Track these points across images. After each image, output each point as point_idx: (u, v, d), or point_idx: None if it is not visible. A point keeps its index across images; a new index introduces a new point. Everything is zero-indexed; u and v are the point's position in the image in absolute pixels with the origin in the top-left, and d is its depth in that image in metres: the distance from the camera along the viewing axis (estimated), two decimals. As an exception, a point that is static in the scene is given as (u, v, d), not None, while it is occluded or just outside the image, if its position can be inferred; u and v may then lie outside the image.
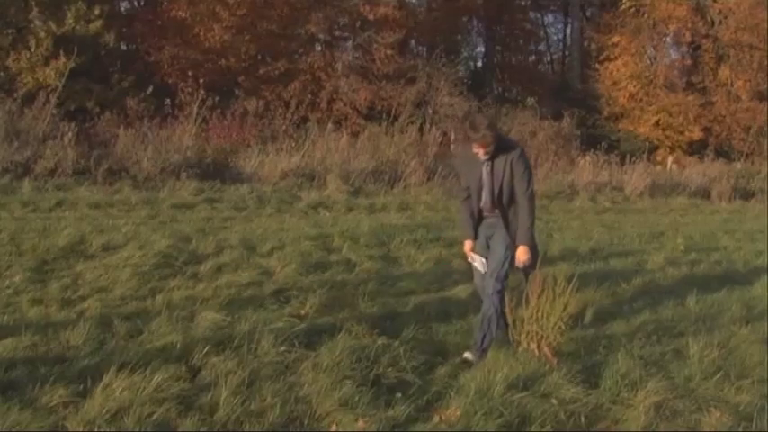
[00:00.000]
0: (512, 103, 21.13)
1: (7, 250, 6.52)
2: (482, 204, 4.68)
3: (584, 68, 25.56)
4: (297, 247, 7.35)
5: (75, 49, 14.18)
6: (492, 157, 4.55)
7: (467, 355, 4.49)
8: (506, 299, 4.58)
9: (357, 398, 3.64)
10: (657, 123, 22.67)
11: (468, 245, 4.80)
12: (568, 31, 29.68)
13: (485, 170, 4.60)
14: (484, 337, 4.54)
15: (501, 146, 4.54)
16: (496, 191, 4.58)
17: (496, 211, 4.67)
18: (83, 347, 4.24)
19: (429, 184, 13.41)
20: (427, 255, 7.44)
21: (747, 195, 17.65)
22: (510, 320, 4.67)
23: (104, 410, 3.34)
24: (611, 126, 22.85)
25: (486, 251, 4.76)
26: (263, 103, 15.63)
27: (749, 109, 23.00)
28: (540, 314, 4.44)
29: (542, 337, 4.43)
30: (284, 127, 14.64)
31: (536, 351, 4.43)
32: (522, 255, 4.55)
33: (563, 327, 4.45)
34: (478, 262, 4.74)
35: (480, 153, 4.52)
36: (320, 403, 3.60)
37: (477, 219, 4.76)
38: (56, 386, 3.56)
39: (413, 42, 24.27)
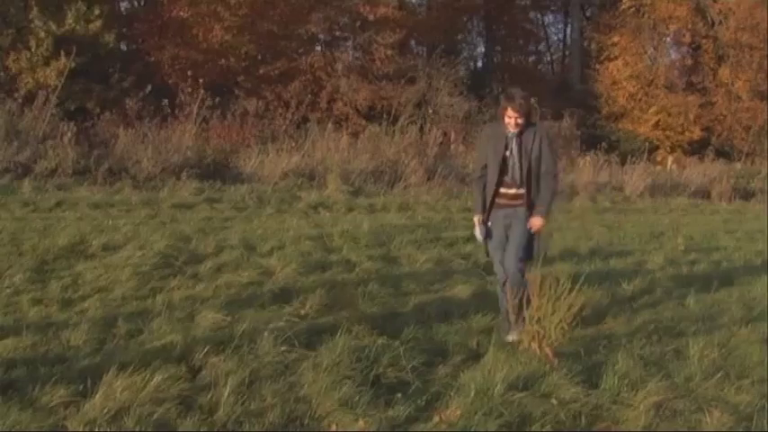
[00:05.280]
0: (512, 103, 21.07)
1: (7, 250, 6.52)
2: (508, 179, 4.77)
3: (584, 68, 25.56)
4: (297, 247, 7.35)
5: (75, 49, 14.18)
6: (520, 132, 4.71)
7: (510, 337, 4.70)
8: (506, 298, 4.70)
9: (357, 398, 3.64)
10: (657, 123, 22.67)
11: (477, 219, 4.94)
12: (568, 31, 29.72)
13: (514, 144, 4.73)
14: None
15: (529, 121, 4.76)
16: (525, 165, 4.73)
17: (520, 191, 4.77)
18: (83, 347, 4.24)
19: (429, 184, 13.40)
20: (427, 255, 7.44)
21: (747, 195, 17.63)
22: (512, 318, 4.70)
23: (105, 410, 3.33)
24: (611, 126, 22.85)
25: (502, 243, 4.87)
26: (263, 103, 15.64)
27: (750, 108, 23.00)
28: (541, 314, 4.44)
29: (543, 336, 4.43)
30: (284, 127, 14.65)
31: (537, 351, 4.43)
32: (536, 222, 4.77)
33: (566, 327, 4.45)
34: (479, 232, 4.92)
35: (512, 123, 4.67)
36: (320, 403, 3.60)
37: (492, 203, 4.82)
38: (56, 386, 3.55)
39: (413, 42, 24.26)
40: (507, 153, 4.74)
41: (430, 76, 19.33)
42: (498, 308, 5.14)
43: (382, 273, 6.64)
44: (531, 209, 4.81)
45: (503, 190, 4.81)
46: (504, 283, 4.86)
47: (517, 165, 4.74)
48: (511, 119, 4.67)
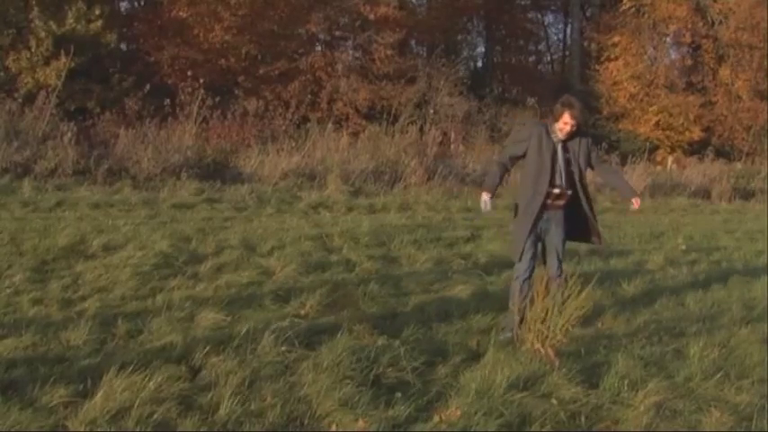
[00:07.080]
0: (512, 103, 21.12)
1: (7, 250, 6.52)
2: (556, 183, 4.82)
3: (584, 68, 25.56)
4: (297, 247, 7.35)
5: (75, 49, 14.19)
6: (567, 139, 4.81)
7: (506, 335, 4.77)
8: (521, 295, 4.75)
9: (357, 398, 3.64)
10: (658, 123, 22.66)
11: (486, 195, 4.93)
12: (568, 31, 29.71)
13: (560, 149, 4.82)
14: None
15: (579, 130, 4.86)
16: (574, 170, 4.84)
17: (565, 191, 4.82)
18: (83, 347, 4.24)
19: (429, 184, 13.40)
20: (427, 255, 7.44)
21: (747, 195, 17.63)
22: (517, 319, 4.70)
23: (105, 410, 3.34)
24: (611, 126, 22.84)
25: (533, 245, 4.88)
26: (263, 103, 15.62)
27: (750, 108, 23.00)
28: (545, 314, 4.44)
29: (547, 337, 4.43)
30: (284, 127, 14.63)
31: (540, 350, 4.43)
32: (637, 203, 5.11)
33: (570, 328, 4.45)
34: (485, 203, 4.92)
35: (566, 129, 4.76)
36: (320, 403, 3.60)
37: (541, 206, 4.81)
38: (56, 386, 3.55)
39: (413, 42, 24.28)
40: (553, 159, 4.80)
41: (430, 76, 19.32)
42: (498, 308, 5.14)
43: (382, 273, 6.65)
44: (567, 211, 4.90)
45: (550, 190, 4.83)
46: (524, 280, 4.87)
47: (564, 170, 4.83)
48: (566, 125, 4.75)
